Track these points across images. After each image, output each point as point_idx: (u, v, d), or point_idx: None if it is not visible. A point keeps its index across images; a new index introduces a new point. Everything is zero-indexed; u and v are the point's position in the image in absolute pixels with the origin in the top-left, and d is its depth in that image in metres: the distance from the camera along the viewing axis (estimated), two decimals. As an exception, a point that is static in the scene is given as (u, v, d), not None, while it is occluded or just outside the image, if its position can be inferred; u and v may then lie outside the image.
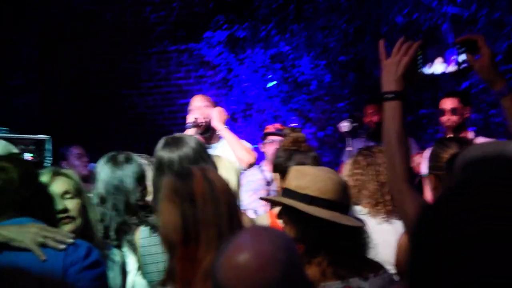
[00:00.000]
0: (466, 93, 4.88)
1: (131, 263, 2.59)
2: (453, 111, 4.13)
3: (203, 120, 3.77)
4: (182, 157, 2.28)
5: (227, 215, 1.72)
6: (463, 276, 0.53)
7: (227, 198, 1.77)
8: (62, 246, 1.94)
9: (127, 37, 6.22)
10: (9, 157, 2.30)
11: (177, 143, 2.35)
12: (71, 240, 1.97)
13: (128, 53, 6.32)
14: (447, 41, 5.37)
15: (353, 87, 5.87)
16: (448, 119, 4.13)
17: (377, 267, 2.05)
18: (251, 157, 3.79)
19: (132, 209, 2.63)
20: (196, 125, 3.75)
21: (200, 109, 3.88)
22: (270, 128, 4.61)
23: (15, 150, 2.73)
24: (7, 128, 3.30)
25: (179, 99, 6.17)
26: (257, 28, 6.02)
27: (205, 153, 2.42)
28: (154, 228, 2.31)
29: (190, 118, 3.80)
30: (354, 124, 4.81)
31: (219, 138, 3.91)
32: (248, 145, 3.92)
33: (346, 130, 4.74)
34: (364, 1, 5.74)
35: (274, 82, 6.06)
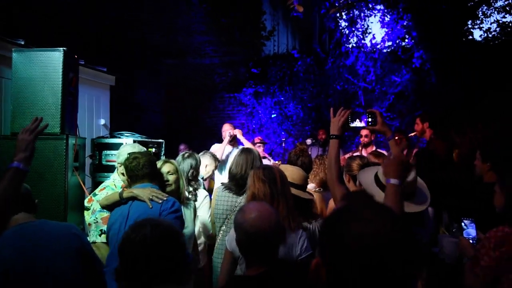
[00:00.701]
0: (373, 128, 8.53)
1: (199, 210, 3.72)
2: (366, 136, 5.95)
3: (233, 134, 5.82)
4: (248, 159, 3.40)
5: (286, 189, 2.61)
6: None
7: (286, 180, 2.65)
8: (160, 201, 2.85)
9: (205, 90, 10.04)
10: (141, 152, 3.19)
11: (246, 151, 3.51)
12: (165, 198, 2.87)
13: (206, 98, 10.05)
14: (361, 111, 8.72)
15: (313, 120, 9.64)
16: (363, 140, 6.01)
17: (316, 216, 3.04)
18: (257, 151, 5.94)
19: (188, 182, 3.70)
20: (230, 136, 5.76)
21: (230, 129, 5.91)
22: (257, 139, 6.91)
23: (143, 148, 3.59)
24: (144, 135, 4.56)
25: (228, 120, 9.77)
26: (268, 88, 9.87)
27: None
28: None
29: (228, 133, 5.76)
30: (313, 140, 7.78)
31: (237, 144, 6.00)
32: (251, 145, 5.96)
33: (309, 143, 7.54)
34: (321, 77, 9.59)
35: (274, 115, 9.81)
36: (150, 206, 2.82)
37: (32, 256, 2.15)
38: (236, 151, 5.30)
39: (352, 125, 2.55)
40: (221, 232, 3.37)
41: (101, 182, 3.84)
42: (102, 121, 5.49)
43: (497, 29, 8.42)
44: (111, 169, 4.09)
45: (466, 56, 8.14)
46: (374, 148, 5.71)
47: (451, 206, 4.27)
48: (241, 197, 3.35)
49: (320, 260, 0.99)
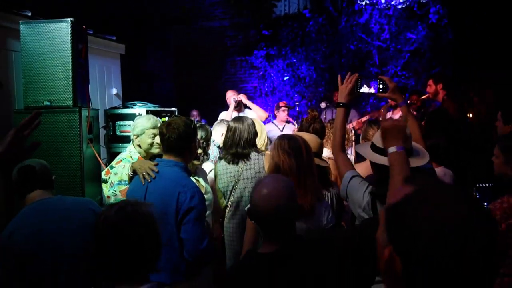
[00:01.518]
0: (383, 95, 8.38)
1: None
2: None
3: (237, 99, 5.82)
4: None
5: (311, 160, 2.55)
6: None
7: (310, 151, 2.57)
8: (148, 179, 2.78)
9: (215, 54, 9.90)
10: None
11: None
12: (153, 176, 2.78)
13: (216, 62, 9.92)
14: (371, 75, 8.36)
15: (327, 82, 9.53)
16: (390, 102, 5.19)
17: (332, 184, 3.08)
18: (265, 115, 5.87)
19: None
20: (236, 101, 5.81)
21: (234, 95, 5.92)
22: (282, 103, 6.66)
23: (158, 119, 3.61)
24: (157, 104, 4.49)
25: (240, 84, 9.89)
26: (280, 50, 9.69)
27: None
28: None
29: (232, 99, 5.82)
30: (328, 103, 7.23)
31: (244, 109, 5.97)
32: (261, 109, 5.95)
33: (323, 107, 7.15)
34: (334, 37, 9.43)
35: (287, 77, 9.69)
36: (143, 183, 2.75)
37: (49, 232, 2.16)
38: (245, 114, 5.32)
39: (361, 90, 2.50)
40: (230, 202, 3.40)
41: (117, 153, 3.85)
42: (114, 91, 5.44)
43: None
44: (126, 139, 4.08)
45: (484, 11, 7.81)
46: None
47: (471, 167, 4.22)
48: (240, 166, 3.39)
49: (391, 249, 0.93)
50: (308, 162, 2.51)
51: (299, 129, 3.86)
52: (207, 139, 3.78)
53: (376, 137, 2.28)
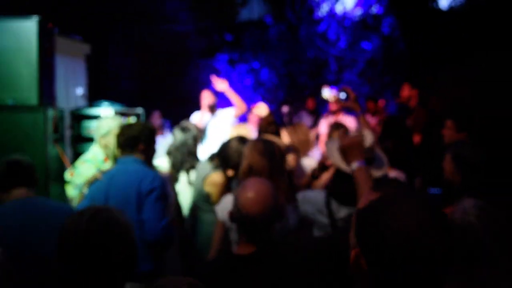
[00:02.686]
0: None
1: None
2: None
3: (212, 103, 5.33)
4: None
5: (283, 163, 2.55)
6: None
7: (282, 154, 2.56)
8: (99, 176, 2.83)
9: (179, 57, 9.65)
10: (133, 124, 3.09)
11: None
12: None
13: (180, 65, 9.66)
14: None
15: (287, 87, 9.67)
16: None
17: (297, 187, 3.15)
18: (244, 106, 5.27)
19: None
20: (209, 106, 5.29)
21: (209, 97, 5.35)
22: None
23: (123, 120, 3.64)
24: (123, 104, 4.62)
25: (202, 86, 9.67)
26: (242, 55, 9.70)
27: None
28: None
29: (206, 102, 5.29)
30: (290, 108, 7.55)
31: (215, 111, 5.39)
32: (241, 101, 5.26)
33: (285, 111, 7.37)
34: (294, 45, 9.52)
35: (248, 82, 9.79)
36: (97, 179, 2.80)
37: (30, 231, 2.11)
38: (214, 119, 5.10)
39: (325, 97, 2.57)
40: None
41: (82, 154, 3.72)
42: (80, 91, 5.25)
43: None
44: (91, 140, 3.94)
45: (432, 24, 8.12)
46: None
47: (424, 172, 4.34)
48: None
49: (358, 251, 0.98)
50: (280, 164, 2.50)
51: (258, 133, 3.85)
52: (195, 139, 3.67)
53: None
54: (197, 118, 5.22)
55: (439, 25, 7.93)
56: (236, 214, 1.75)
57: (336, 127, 3.54)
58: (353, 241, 1.01)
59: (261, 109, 5.32)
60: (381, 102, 5.64)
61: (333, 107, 5.28)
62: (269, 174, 2.38)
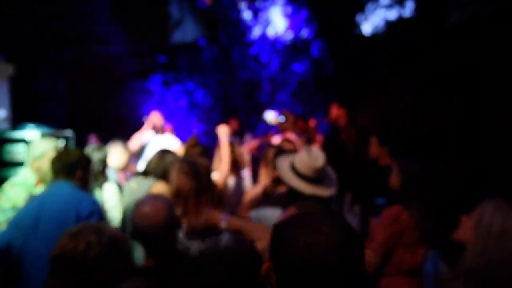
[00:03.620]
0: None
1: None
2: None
3: (159, 124, 5.31)
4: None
5: (210, 182, 2.56)
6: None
7: (209, 173, 2.59)
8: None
9: (112, 79, 9.50)
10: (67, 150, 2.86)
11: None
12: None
13: (113, 87, 9.51)
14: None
15: (221, 108, 9.69)
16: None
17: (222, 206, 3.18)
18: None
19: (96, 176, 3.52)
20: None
21: (158, 118, 5.34)
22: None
23: (57, 142, 3.36)
24: (51, 127, 4.61)
25: (137, 108, 9.47)
26: (176, 76, 9.68)
27: None
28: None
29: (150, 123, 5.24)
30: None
31: (162, 132, 5.46)
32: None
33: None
34: (228, 66, 9.60)
35: (183, 103, 9.80)
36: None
37: None
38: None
39: (267, 120, 2.65)
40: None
41: (4, 179, 3.46)
42: (2, 114, 4.94)
43: (383, 25, 8.88)
44: (16, 164, 3.70)
45: (357, 49, 8.54)
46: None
47: (354, 188, 4.50)
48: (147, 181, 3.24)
49: (270, 264, 0.98)
50: (207, 183, 2.50)
51: (185, 154, 3.85)
52: (104, 160, 3.62)
53: (302, 161, 2.33)
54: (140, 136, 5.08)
55: (363, 48, 8.36)
56: (134, 231, 1.80)
57: (271, 146, 3.57)
58: (266, 254, 1.01)
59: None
60: (312, 122, 5.79)
61: (280, 127, 5.41)
62: (196, 194, 2.38)
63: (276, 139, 5.20)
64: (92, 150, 3.59)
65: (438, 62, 6.48)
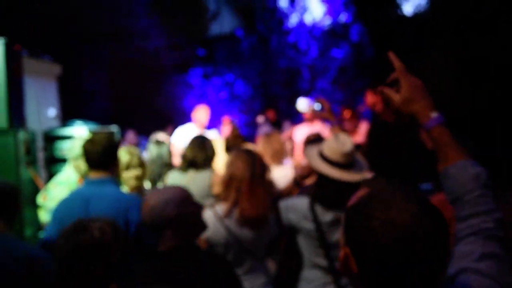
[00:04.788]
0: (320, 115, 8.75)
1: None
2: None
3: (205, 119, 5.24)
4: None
5: (264, 172, 2.52)
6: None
7: (263, 163, 2.56)
8: None
9: (152, 73, 9.61)
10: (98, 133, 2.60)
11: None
12: None
13: (154, 81, 9.69)
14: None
15: (261, 98, 9.74)
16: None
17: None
18: None
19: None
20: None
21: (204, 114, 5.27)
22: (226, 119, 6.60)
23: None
24: (96, 123, 4.42)
25: (177, 101, 9.76)
26: (216, 69, 9.77)
27: None
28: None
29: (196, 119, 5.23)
30: (266, 118, 7.52)
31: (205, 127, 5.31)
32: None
33: (261, 122, 7.29)
34: (266, 56, 9.65)
35: (223, 95, 9.97)
36: None
37: None
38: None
39: (299, 109, 2.60)
40: None
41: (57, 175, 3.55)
42: (52, 112, 5.11)
43: (426, 3, 8.54)
44: (65, 161, 3.78)
45: (398, 31, 8.25)
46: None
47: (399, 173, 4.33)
48: (190, 174, 3.24)
49: (348, 250, 0.91)
50: (261, 173, 2.46)
51: (226, 148, 3.84)
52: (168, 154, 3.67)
53: (330, 147, 2.30)
54: (185, 131, 5.08)
55: (405, 30, 8.07)
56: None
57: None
58: (342, 240, 0.94)
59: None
60: (347, 112, 5.59)
61: (308, 116, 5.25)
62: (250, 181, 2.35)
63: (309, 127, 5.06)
64: (155, 144, 3.58)
65: (484, 44, 6.16)
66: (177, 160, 4.08)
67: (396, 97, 1.35)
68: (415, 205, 0.85)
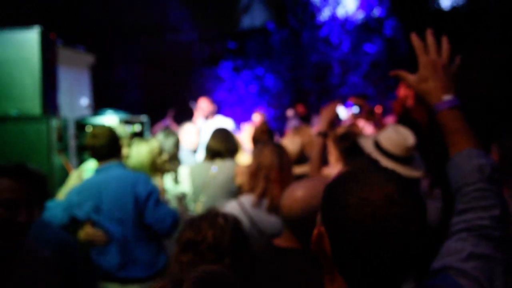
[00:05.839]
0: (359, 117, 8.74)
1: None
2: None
3: (210, 110, 5.67)
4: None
5: (290, 164, 2.51)
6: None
7: (289, 156, 2.53)
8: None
9: (183, 66, 9.67)
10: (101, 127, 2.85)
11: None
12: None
13: (184, 74, 9.67)
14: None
15: (291, 92, 9.65)
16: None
17: None
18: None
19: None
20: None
21: (208, 104, 5.76)
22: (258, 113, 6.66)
23: (125, 130, 3.51)
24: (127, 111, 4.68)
25: (207, 94, 9.87)
26: (246, 62, 9.72)
27: None
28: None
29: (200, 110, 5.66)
30: (295, 112, 7.31)
31: (213, 116, 5.74)
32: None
33: (290, 115, 7.19)
34: (297, 50, 9.53)
35: (253, 88, 9.88)
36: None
37: None
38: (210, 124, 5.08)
39: (340, 116, 2.53)
40: (200, 203, 3.21)
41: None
42: (85, 101, 5.20)
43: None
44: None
45: (434, 24, 8.00)
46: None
47: (434, 170, 4.21)
48: (214, 162, 3.25)
49: (322, 229, 0.87)
50: (288, 164, 2.44)
51: (253, 142, 3.82)
52: (177, 144, 3.67)
53: (389, 139, 2.18)
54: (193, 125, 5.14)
55: (441, 25, 7.83)
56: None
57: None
58: (318, 219, 0.90)
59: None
60: (378, 108, 5.47)
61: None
62: (279, 170, 2.32)
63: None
64: (164, 135, 3.64)
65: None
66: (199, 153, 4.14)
67: (411, 77, 1.30)
68: (392, 185, 0.81)
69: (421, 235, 0.80)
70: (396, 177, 0.85)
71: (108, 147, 2.73)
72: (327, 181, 1.03)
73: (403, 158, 2.15)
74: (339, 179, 0.88)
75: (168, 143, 3.56)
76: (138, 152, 3.14)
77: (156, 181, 3.19)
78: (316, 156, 2.41)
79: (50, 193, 2.28)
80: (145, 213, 2.66)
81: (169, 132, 3.71)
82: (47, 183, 2.17)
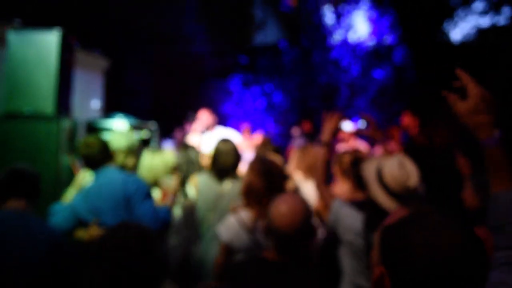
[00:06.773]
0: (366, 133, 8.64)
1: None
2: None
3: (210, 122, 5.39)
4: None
5: (282, 181, 2.55)
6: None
7: (282, 172, 2.60)
8: None
9: (193, 77, 9.77)
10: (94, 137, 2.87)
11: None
12: None
13: (194, 85, 9.84)
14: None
15: (300, 110, 9.64)
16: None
17: None
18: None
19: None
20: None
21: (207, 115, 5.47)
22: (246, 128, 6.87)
23: (133, 135, 3.27)
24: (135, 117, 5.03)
25: (215, 106, 9.49)
26: (256, 77, 9.80)
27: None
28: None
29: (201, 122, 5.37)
30: (302, 130, 7.18)
31: (213, 128, 5.44)
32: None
33: (296, 134, 7.06)
34: (307, 70, 9.62)
35: (261, 104, 10.00)
36: None
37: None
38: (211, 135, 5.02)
39: (344, 129, 2.52)
40: (209, 219, 3.05)
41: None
42: (96, 104, 5.27)
43: (474, 32, 8.36)
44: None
45: (443, 56, 8.09)
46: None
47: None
48: (224, 184, 3.11)
49: (383, 269, 0.91)
50: (279, 182, 2.43)
51: (257, 153, 3.77)
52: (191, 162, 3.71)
53: (392, 175, 2.10)
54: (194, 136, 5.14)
55: (450, 56, 7.91)
56: (268, 227, 1.75)
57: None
58: (376, 259, 0.94)
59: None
60: (395, 130, 5.43)
61: (344, 135, 5.02)
62: (267, 193, 2.30)
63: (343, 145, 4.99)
64: (181, 154, 3.63)
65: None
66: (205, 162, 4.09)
67: (461, 105, 1.26)
68: (455, 231, 0.86)
69: (482, 281, 0.85)
70: (457, 223, 0.88)
71: (101, 155, 2.78)
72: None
73: (403, 197, 2.07)
74: (401, 222, 0.91)
75: (192, 155, 3.59)
76: (151, 165, 3.15)
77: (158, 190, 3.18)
78: (321, 166, 2.39)
79: (39, 191, 2.27)
80: (133, 207, 2.69)
81: (185, 147, 3.67)
82: (36, 181, 2.24)
